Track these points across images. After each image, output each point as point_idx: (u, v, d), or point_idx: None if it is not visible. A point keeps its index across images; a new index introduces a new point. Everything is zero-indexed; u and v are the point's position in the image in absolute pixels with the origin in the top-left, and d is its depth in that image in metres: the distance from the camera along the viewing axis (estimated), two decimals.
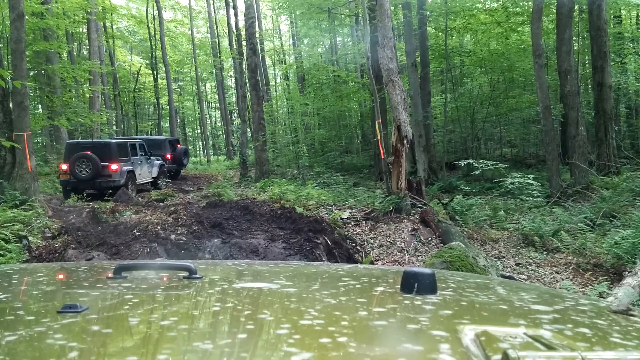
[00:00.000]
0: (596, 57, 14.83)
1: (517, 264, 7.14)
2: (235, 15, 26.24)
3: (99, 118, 21.27)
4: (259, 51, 32.02)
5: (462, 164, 10.30)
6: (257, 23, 27.82)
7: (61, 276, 1.79)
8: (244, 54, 23.14)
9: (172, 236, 7.38)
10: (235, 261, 2.29)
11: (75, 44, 32.27)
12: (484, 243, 8.19)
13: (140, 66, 42.73)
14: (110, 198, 14.45)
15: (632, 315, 1.24)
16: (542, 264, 7.11)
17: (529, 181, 8.94)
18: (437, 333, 1.04)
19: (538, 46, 12.39)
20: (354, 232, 8.14)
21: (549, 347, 0.90)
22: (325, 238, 7.27)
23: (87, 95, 24.23)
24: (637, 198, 9.73)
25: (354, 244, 7.68)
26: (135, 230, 7.81)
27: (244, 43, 23.25)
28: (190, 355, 0.93)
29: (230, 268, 1.92)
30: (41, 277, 1.69)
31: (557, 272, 6.75)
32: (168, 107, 38.51)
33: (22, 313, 1.23)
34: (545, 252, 7.70)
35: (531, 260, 7.30)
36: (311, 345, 0.97)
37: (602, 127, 14.59)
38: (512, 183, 8.87)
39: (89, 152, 15.64)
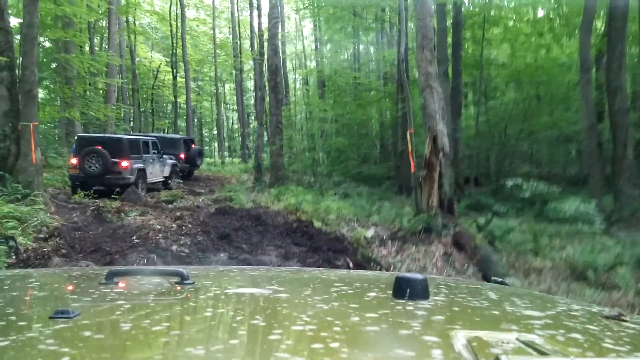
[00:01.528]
0: None
1: None
2: (259, 16, 25.71)
3: (112, 112, 20.56)
4: (280, 53, 31.39)
5: (509, 184, 9.22)
6: (280, 24, 27.14)
7: (53, 281, 1.77)
8: (265, 55, 22.48)
9: (174, 247, 6.50)
10: (227, 267, 2.29)
11: (98, 37, 31.87)
12: (528, 274, 7.16)
13: (160, 63, 42.39)
14: (118, 196, 13.75)
15: (624, 320, 1.23)
16: (601, 306, 6.07)
17: (589, 209, 7.86)
18: (429, 338, 1.03)
19: (586, 60, 11.38)
20: (379, 254, 7.16)
21: (541, 352, 0.90)
22: (347, 259, 6.33)
23: (103, 88, 23.65)
24: None
25: (379, 268, 6.71)
26: (134, 237, 6.95)
27: (265, 44, 22.60)
28: None
29: (223, 274, 1.90)
30: (33, 283, 1.68)
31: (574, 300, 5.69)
32: (185, 106, 37.97)
33: (14, 318, 1.22)
34: (600, 290, 6.66)
35: (587, 300, 6.25)
36: (303, 351, 0.97)
37: None
38: (566, 210, 7.80)
39: (99, 147, 15.04)
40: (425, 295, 1.32)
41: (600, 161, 12.57)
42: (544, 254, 8.21)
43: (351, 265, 6.29)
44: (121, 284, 1.54)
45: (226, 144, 50.19)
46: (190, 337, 1.09)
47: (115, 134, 20.34)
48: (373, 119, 29.32)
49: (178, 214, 8.93)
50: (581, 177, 19.17)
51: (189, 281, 1.49)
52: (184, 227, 7.48)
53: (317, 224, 7.74)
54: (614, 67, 11.89)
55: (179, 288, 1.48)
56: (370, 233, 7.80)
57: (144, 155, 16.49)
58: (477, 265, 6.93)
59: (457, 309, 1.36)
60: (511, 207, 12.70)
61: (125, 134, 20.40)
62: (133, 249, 6.43)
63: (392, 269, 6.78)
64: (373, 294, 1.53)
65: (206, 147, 51.65)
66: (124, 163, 15.04)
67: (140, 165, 15.94)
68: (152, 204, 13.33)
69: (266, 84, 22.93)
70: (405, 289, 1.31)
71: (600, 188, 11.72)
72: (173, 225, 7.69)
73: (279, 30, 25.75)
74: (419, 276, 1.36)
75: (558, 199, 8.29)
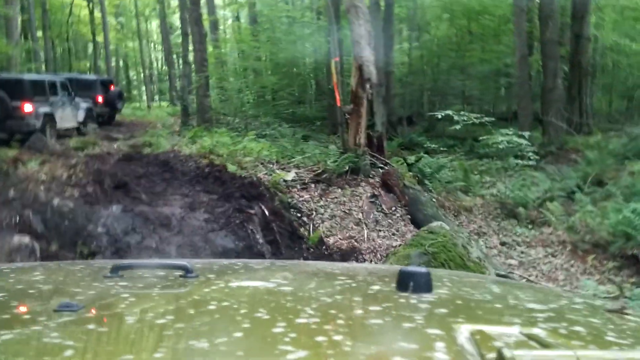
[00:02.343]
0: (577, 5, 13.38)
1: (502, 244, 5.73)
2: None
3: (10, 49, 18.21)
4: None
5: (439, 116, 8.66)
6: None
7: (57, 274, 1.78)
8: None
9: (56, 200, 5.52)
10: (231, 260, 2.21)
11: None
12: (458, 213, 6.75)
13: None
14: (18, 144, 12.33)
15: (626, 314, 1.22)
16: (532, 244, 5.74)
17: (520, 140, 7.47)
18: (432, 332, 1.04)
19: None
20: (300, 199, 6.46)
21: (544, 345, 0.90)
22: (262, 207, 5.61)
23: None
24: (629, 160, 8.42)
25: (299, 215, 6.04)
26: (11, 191, 5.89)
27: None
28: (186, 354, 0.93)
29: (226, 267, 1.92)
30: (37, 276, 1.69)
31: (552, 255, 5.39)
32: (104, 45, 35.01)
33: (18, 311, 1.24)
34: (531, 227, 6.35)
35: (518, 239, 5.91)
36: (307, 344, 0.97)
37: (577, 83, 13.34)
38: (499, 142, 7.36)
39: None
40: (428, 288, 1.32)
41: (530, 94, 12.35)
42: (474, 192, 7.86)
43: (266, 213, 5.58)
44: (125, 277, 1.54)
45: (157, 86, 47.39)
46: (194, 330, 1.08)
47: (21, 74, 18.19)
48: (308, 56, 28.13)
49: (74, 161, 7.82)
50: (510, 114, 19.31)
51: (192, 274, 1.50)
52: (73, 177, 6.46)
53: (232, 167, 6.92)
54: None
55: (182, 281, 1.49)
56: (290, 176, 7.07)
57: (52, 98, 14.87)
58: (405, 206, 6.42)
59: (460, 302, 1.37)
60: (443, 144, 12.37)
61: (26, 74, 18.27)
62: (6, 205, 5.40)
63: (314, 214, 6.16)
64: (376, 287, 1.55)
65: (134, 91, 48.63)
66: (27, 107, 13.48)
67: (47, 109, 14.35)
68: (59, 152, 12.05)
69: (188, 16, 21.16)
70: (408, 282, 1.31)
71: (530, 122, 11.53)
72: (63, 175, 6.64)
73: None
74: (422, 270, 1.38)
75: (490, 133, 7.90)
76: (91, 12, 35.87)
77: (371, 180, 7.08)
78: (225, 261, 2.22)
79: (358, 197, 6.52)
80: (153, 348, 0.98)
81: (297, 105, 26.79)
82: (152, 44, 50.29)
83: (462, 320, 1.09)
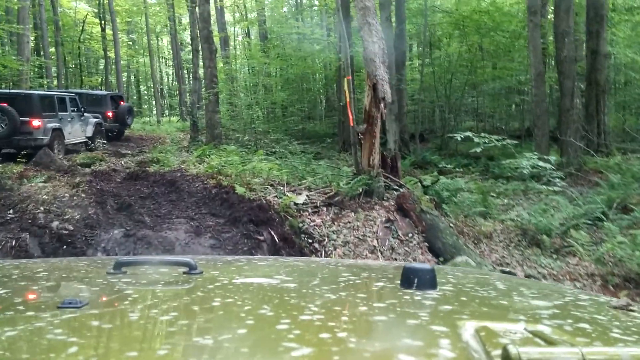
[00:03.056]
0: (592, 20, 13.07)
1: (528, 276, 5.34)
2: None
3: (17, 65, 18.19)
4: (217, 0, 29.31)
5: (459, 137, 8.34)
6: None
7: (61, 271, 1.77)
8: (197, 1, 20.67)
9: (55, 223, 5.25)
10: (235, 256, 2.30)
11: None
12: (478, 241, 6.37)
13: (87, 14, 38.91)
14: (26, 159, 12.22)
15: (632, 310, 1.20)
16: (559, 276, 5.36)
17: (545, 164, 7.09)
18: (437, 328, 1.03)
19: (534, 1, 10.51)
20: (312, 224, 6.12)
21: (549, 342, 0.90)
22: (272, 232, 5.30)
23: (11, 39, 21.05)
24: None
25: (310, 241, 5.72)
26: (10, 212, 5.63)
27: None
28: (190, 351, 0.93)
29: (230, 263, 1.93)
30: (41, 272, 1.69)
31: (581, 290, 5.01)
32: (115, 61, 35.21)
33: (22, 308, 1.24)
34: (556, 257, 5.97)
35: (544, 270, 5.51)
36: (311, 341, 0.97)
37: (594, 101, 12.98)
38: (523, 167, 6.97)
39: (5, 105, 13.31)
40: (433, 285, 1.30)
41: (547, 113, 12.02)
42: (493, 216, 7.50)
43: (276, 239, 5.27)
44: (129, 274, 1.52)
45: (167, 101, 47.61)
46: (198, 327, 1.08)
47: (31, 90, 18.19)
48: (317, 72, 28.06)
49: (77, 180, 7.56)
50: (523, 131, 18.97)
51: (196, 271, 1.49)
52: (75, 197, 6.19)
53: (240, 189, 6.61)
54: (562, 10, 11.15)
55: (186, 278, 1.48)
56: (301, 199, 6.75)
57: (60, 114, 14.91)
58: (422, 233, 6.07)
59: (464, 299, 1.34)
60: (457, 163, 12.03)
61: (36, 90, 18.29)
62: (3, 226, 5.14)
63: (326, 240, 5.83)
64: (381, 283, 1.54)
65: (144, 106, 48.92)
66: (35, 122, 13.52)
67: (56, 125, 14.37)
68: (65, 168, 11.89)
69: (199, 33, 21.16)
70: (413, 279, 1.29)
71: (547, 141, 11.17)
72: (65, 195, 6.37)
73: None
74: (426, 266, 1.36)
75: (512, 156, 7.53)
76: (103, 29, 36.22)
77: (386, 204, 6.74)
78: (229, 258, 2.20)
79: (372, 222, 6.18)
80: (157, 345, 0.97)
81: (307, 121, 26.68)
82: (163, 60, 50.73)
83: (467, 317, 1.08)
